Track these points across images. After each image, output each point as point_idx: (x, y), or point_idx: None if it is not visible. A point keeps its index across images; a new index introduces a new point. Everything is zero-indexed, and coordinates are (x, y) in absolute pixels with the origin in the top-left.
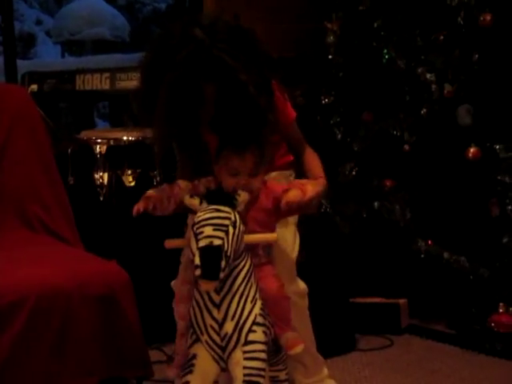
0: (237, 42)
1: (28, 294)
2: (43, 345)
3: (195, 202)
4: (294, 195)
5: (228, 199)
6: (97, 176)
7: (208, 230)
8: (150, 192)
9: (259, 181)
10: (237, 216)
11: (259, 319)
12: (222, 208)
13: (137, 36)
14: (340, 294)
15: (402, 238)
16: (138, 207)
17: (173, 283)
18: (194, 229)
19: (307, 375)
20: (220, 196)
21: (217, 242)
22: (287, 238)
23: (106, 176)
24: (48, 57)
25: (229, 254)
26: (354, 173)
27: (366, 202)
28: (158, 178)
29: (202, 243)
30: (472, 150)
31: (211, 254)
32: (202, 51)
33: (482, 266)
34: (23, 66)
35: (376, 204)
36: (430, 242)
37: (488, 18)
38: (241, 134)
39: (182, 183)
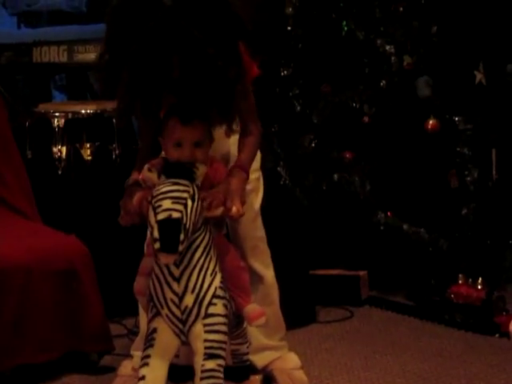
0: (207, 8)
1: None
2: (2, 320)
3: (153, 175)
4: (218, 211)
5: (186, 172)
6: (55, 149)
7: (166, 203)
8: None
9: (203, 153)
10: (195, 189)
11: (219, 292)
12: (180, 181)
13: (94, 7)
14: (300, 266)
15: (362, 210)
16: (126, 223)
17: None
18: (153, 202)
19: (267, 334)
20: (178, 169)
21: (175, 214)
22: (251, 183)
23: (64, 149)
24: (3, 28)
25: (188, 226)
26: (313, 145)
27: (325, 174)
28: (117, 152)
29: (160, 216)
30: (431, 121)
31: (170, 227)
32: (170, 22)
33: (441, 238)
34: None
35: (336, 176)
36: (389, 213)
37: None
38: (206, 104)
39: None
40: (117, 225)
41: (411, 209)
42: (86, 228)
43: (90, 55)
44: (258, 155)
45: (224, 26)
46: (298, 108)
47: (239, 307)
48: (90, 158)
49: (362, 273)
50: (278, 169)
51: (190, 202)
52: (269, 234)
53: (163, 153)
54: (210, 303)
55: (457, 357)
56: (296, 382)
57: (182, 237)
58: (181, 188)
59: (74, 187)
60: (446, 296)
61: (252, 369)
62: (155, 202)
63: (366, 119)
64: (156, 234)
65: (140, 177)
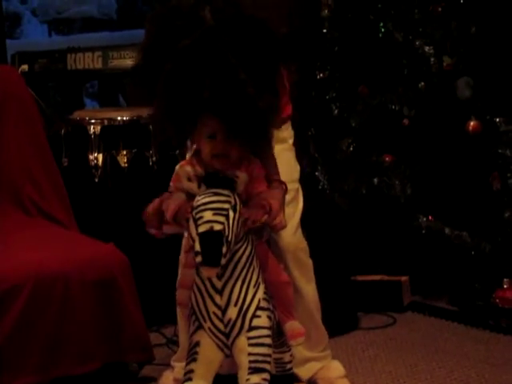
0: (247, 31)
1: (26, 279)
2: (42, 331)
3: (193, 185)
4: (260, 216)
5: (227, 182)
6: (91, 157)
7: (208, 215)
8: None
9: (238, 150)
10: (237, 199)
11: (263, 303)
12: (221, 191)
13: (124, 13)
14: (341, 272)
15: (403, 214)
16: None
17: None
18: (194, 213)
19: (309, 347)
20: (219, 179)
21: (217, 227)
22: (290, 193)
23: (100, 157)
24: (35, 36)
25: (230, 238)
26: (351, 148)
27: (365, 178)
28: (154, 158)
29: (201, 229)
30: (472, 123)
31: (212, 240)
32: (206, 43)
33: (483, 241)
34: (11, 46)
35: (375, 180)
36: (430, 217)
37: None
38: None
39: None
40: None
41: (453, 212)
42: (124, 236)
43: (125, 61)
44: (297, 166)
45: (262, 52)
46: (336, 111)
47: (281, 321)
48: (126, 165)
49: (403, 278)
50: (316, 174)
51: (231, 213)
52: (308, 240)
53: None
54: (254, 315)
55: (504, 363)
56: None
57: (224, 249)
58: (222, 198)
59: (111, 195)
60: (491, 301)
61: (296, 378)
62: (196, 214)
63: (405, 122)
64: (198, 247)
65: (170, 183)
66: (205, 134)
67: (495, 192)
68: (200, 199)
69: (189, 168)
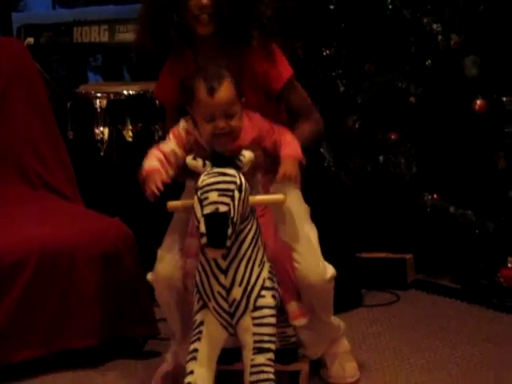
0: None
1: (31, 253)
2: (47, 304)
3: (198, 163)
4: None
5: (232, 161)
6: (97, 131)
7: (213, 196)
8: (149, 169)
9: (237, 121)
10: (242, 179)
11: (268, 283)
12: (226, 171)
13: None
14: (346, 249)
15: (408, 192)
16: (153, 193)
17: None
18: (199, 194)
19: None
20: (224, 157)
21: (223, 208)
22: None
23: (106, 131)
24: (38, 8)
25: (235, 220)
26: (357, 126)
27: (370, 156)
28: (160, 133)
29: (207, 210)
30: (479, 101)
31: (217, 222)
32: None
33: (488, 220)
34: (16, 18)
35: (381, 158)
36: (435, 195)
37: None
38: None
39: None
40: (159, 206)
41: (458, 191)
42: (129, 210)
43: (131, 35)
44: (305, 205)
45: None
46: (342, 88)
47: (283, 300)
48: (132, 139)
49: (407, 256)
50: (322, 150)
51: (237, 194)
52: (313, 217)
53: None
54: (259, 295)
55: (507, 342)
56: (347, 371)
57: (229, 231)
58: (227, 179)
59: (117, 169)
60: (495, 280)
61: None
62: (201, 194)
63: (412, 99)
64: (203, 228)
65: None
66: (204, 118)
67: (500, 171)
68: (205, 179)
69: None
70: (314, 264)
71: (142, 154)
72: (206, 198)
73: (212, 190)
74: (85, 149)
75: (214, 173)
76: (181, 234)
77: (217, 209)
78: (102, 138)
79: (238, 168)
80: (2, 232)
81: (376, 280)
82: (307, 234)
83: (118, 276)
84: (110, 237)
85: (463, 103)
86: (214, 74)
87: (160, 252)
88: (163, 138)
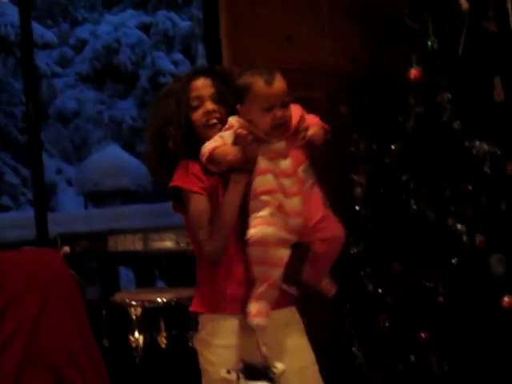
0: None
1: None
2: None
3: (232, 377)
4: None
5: (265, 373)
6: (132, 338)
7: None
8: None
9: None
10: None
11: None
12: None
13: (158, 185)
14: None
15: None
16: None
17: None
18: None
19: None
20: (257, 369)
21: None
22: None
23: (141, 338)
24: (69, 206)
25: None
26: (387, 324)
27: (401, 355)
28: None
29: None
30: (506, 299)
31: None
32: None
33: None
34: (50, 219)
35: (412, 357)
36: None
37: None
38: None
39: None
40: None
41: None
42: None
43: (165, 243)
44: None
45: None
46: (370, 287)
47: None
48: (165, 345)
49: None
50: (353, 349)
51: None
52: None
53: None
54: None
55: None
56: None
57: None
58: None
59: (151, 375)
60: None
61: None
62: None
63: (440, 299)
64: None
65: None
66: (262, 108)
67: None
68: None
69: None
70: None
71: (176, 360)
72: None
73: None
74: (120, 356)
75: None
76: None
77: None
78: (137, 345)
79: (270, 380)
80: None
81: None
82: None
83: None
84: None
85: (491, 300)
86: (265, 69)
87: None
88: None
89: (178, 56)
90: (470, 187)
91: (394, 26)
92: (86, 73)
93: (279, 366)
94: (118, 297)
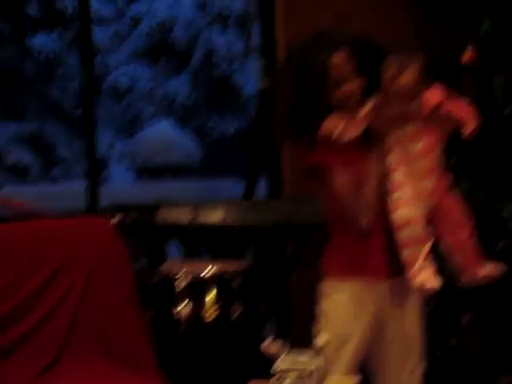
0: None
1: None
2: None
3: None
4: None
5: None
6: (176, 310)
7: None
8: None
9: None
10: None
11: None
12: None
13: (209, 162)
14: None
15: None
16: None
17: None
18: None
19: None
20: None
21: None
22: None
23: (185, 310)
24: (120, 181)
25: None
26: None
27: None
28: (238, 312)
29: None
30: None
31: None
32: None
33: None
34: (101, 192)
35: (453, 340)
36: None
37: None
38: None
39: None
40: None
41: None
42: None
43: (213, 216)
44: None
45: None
46: None
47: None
48: (211, 318)
49: None
50: None
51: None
52: None
53: None
54: None
55: None
56: None
57: None
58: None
59: (195, 348)
60: None
61: None
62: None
63: None
64: None
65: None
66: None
67: None
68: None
69: None
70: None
71: (221, 334)
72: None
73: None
74: (164, 327)
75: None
76: None
77: None
78: (182, 317)
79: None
80: None
81: None
82: None
83: None
84: None
85: None
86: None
87: None
88: (242, 317)
89: (232, 34)
90: None
91: (447, 9)
92: (140, 49)
93: (323, 337)
94: (165, 267)
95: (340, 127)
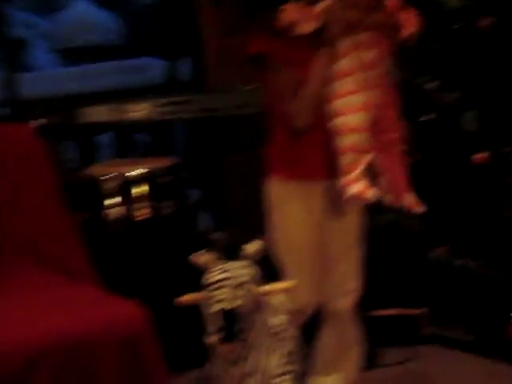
0: None
1: (50, 345)
2: None
3: (209, 257)
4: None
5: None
6: (106, 211)
7: (224, 292)
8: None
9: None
10: (253, 269)
11: (288, 367)
12: (236, 264)
13: (133, 40)
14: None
15: (418, 248)
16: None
17: None
18: (209, 289)
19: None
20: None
21: (234, 303)
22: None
23: (115, 210)
24: (42, 63)
25: (247, 312)
26: None
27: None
28: (170, 210)
29: (217, 306)
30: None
31: (229, 317)
32: None
33: (496, 270)
34: (24, 78)
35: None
36: (445, 248)
37: None
38: None
39: None
40: (172, 278)
41: (466, 243)
42: (139, 286)
43: (139, 113)
44: None
45: None
46: None
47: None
48: (141, 217)
49: (420, 311)
50: None
51: (248, 286)
52: None
53: None
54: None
55: None
56: None
57: (241, 325)
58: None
59: (127, 248)
60: (505, 333)
61: None
62: (212, 290)
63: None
64: (214, 324)
65: None
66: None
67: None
68: (215, 275)
69: None
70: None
71: (152, 232)
72: (217, 295)
73: (223, 287)
74: (95, 229)
75: (224, 268)
76: None
77: (229, 304)
78: (112, 218)
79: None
80: (17, 324)
81: (389, 337)
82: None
83: (138, 361)
84: (128, 321)
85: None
86: None
87: None
88: (173, 215)
89: None
90: None
91: None
92: None
93: (250, 246)
94: (92, 168)
95: (295, 18)
